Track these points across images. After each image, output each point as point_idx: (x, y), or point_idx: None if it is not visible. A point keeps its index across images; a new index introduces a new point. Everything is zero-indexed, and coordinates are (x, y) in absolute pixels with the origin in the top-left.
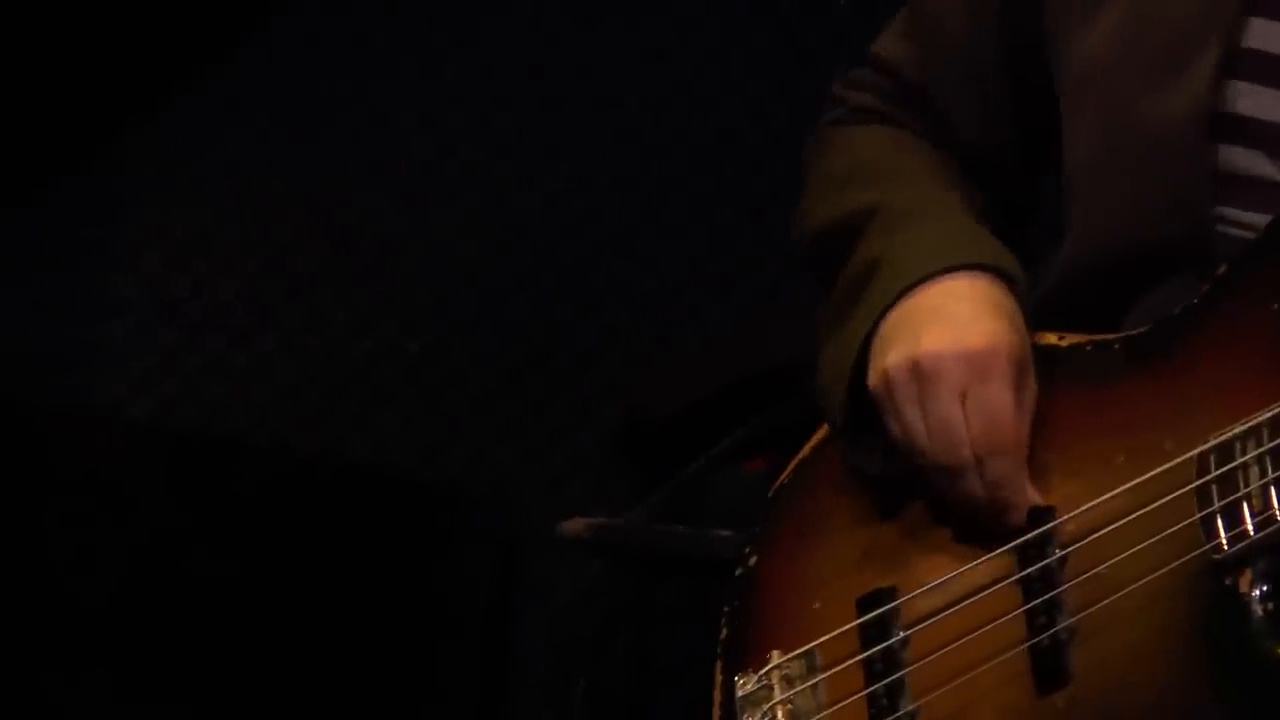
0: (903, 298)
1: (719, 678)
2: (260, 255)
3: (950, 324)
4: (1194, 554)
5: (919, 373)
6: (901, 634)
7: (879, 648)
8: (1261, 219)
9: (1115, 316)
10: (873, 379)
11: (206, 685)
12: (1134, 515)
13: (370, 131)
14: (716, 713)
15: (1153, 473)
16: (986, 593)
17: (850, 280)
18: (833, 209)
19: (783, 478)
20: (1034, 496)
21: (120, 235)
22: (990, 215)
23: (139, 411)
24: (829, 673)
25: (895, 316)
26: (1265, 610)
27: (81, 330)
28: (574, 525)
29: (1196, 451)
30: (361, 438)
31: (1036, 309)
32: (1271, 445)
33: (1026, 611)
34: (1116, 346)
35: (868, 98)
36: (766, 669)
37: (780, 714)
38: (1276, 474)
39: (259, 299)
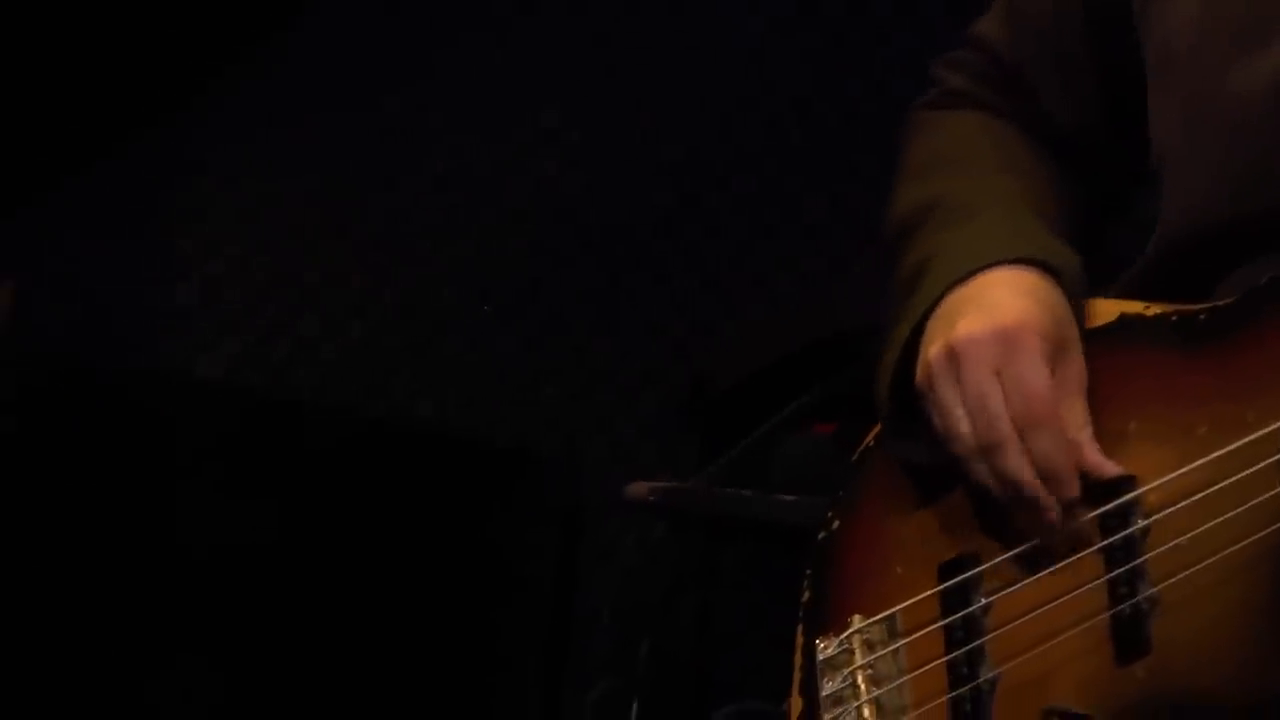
0: (944, 297)
1: (800, 641)
2: (328, 217)
3: (983, 309)
4: (1276, 527)
5: (954, 356)
6: (983, 601)
7: (960, 614)
8: None
9: (1206, 290)
10: (918, 375)
11: (273, 645)
12: (1217, 486)
13: (444, 94)
14: (797, 675)
15: (1236, 444)
16: (1068, 561)
17: (902, 283)
18: (905, 201)
19: (867, 442)
20: (1113, 467)
21: (187, 197)
22: (1079, 200)
23: (205, 372)
24: (910, 638)
25: (937, 315)
26: None
27: (148, 292)
28: (639, 489)
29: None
30: (429, 400)
31: (1130, 287)
32: None
33: (1109, 581)
34: (1202, 317)
35: (961, 79)
36: (848, 633)
37: (861, 678)
38: None
39: (327, 261)
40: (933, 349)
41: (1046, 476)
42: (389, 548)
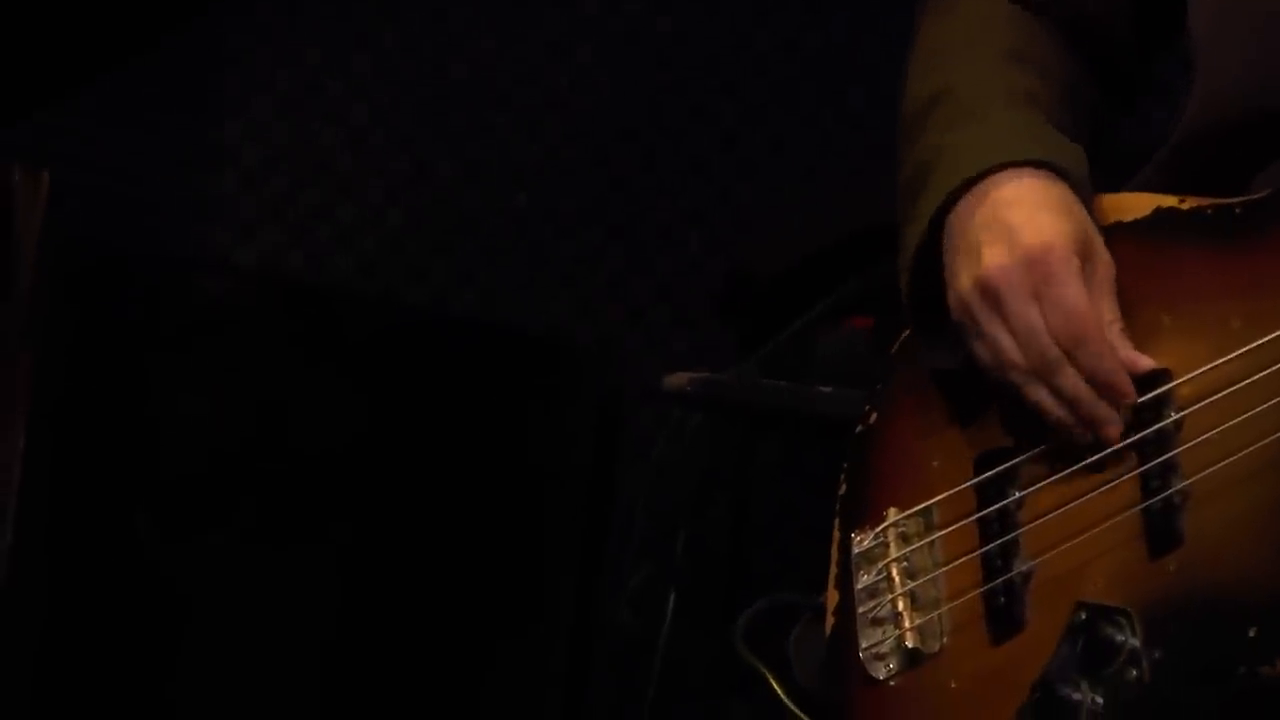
0: (957, 203)
1: (836, 535)
2: (367, 106)
3: (1003, 235)
4: None
5: (989, 291)
6: (1018, 494)
7: (995, 507)
8: None
9: (1238, 183)
10: (954, 310)
11: (304, 530)
12: (1250, 379)
13: None
14: (833, 569)
15: (1269, 337)
16: (1102, 455)
17: (906, 182)
18: (915, 89)
19: (904, 335)
20: (1147, 361)
21: (227, 84)
22: (1092, 98)
23: (245, 260)
24: (945, 531)
25: (950, 232)
26: None
27: (188, 178)
28: (676, 379)
29: None
30: (467, 290)
31: (1157, 178)
32: None
33: (1141, 474)
34: (1237, 211)
35: None
36: (883, 526)
37: (895, 571)
38: None
39: (365, 149)
40: (963, 283)
41: (1101, 389)
42: (426, 435)
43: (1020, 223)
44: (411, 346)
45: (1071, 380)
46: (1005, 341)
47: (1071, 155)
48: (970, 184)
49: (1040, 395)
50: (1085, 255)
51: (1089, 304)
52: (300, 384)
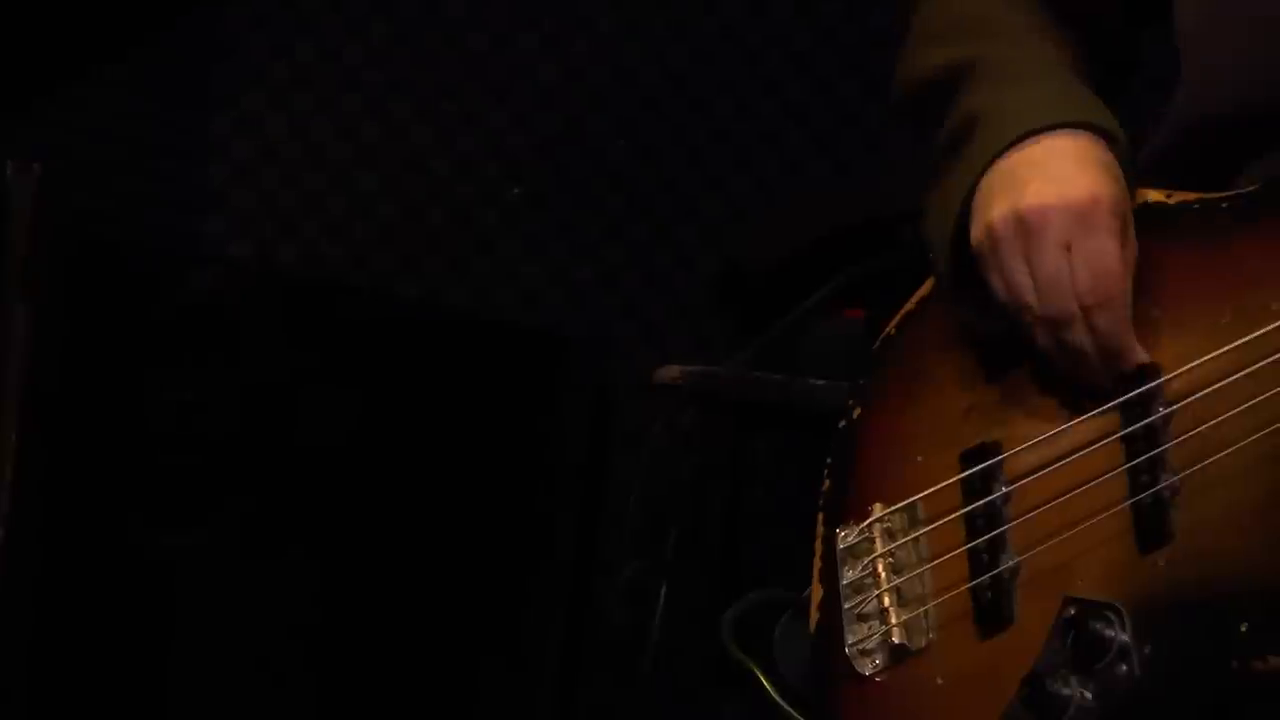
0: (1004, 154)
1: (820, 530)
2: (360, 98)
3: (1053, 178)
4: None
5: (1024, 226)
6: (1004, 489)
7: (981, 502)
8: None
9: (1226, 178)
10: (976, 234)
11: (297, 523)
12: (1239, 375)
13: None
14: (818, 564)
15: (1259, 332)
16: (1090, 450)
17: (950, 135)
18: (932, 61)
19: (888, 330)
20: (1140, 354)
21: (220, 76)
22: (1088, 68)
23: (238, 252)
24: (930, 526)
25: (997, 172)
26: None
27: (182, 170)
28: (669, 372)
29: None
30: (460, 282)
31: (1146, 164)
32: None
33: (1130, 469)
34: (1225, 205)
35: None
36: (868, 522)
37: (881, 566)
38: None
39: (360, 140)
40: (997, 213)
41: (1108, 352)
42: (419, 428)
43: (1071, 173)
44: (404, 339)
45: (1080, 338)
46: (1025, 282)
47: (1113, 120)
48: (1025, 138)
49: (1042, 339)
50: (1124, 224)
51: (1122, 269)
52: (292, 376)
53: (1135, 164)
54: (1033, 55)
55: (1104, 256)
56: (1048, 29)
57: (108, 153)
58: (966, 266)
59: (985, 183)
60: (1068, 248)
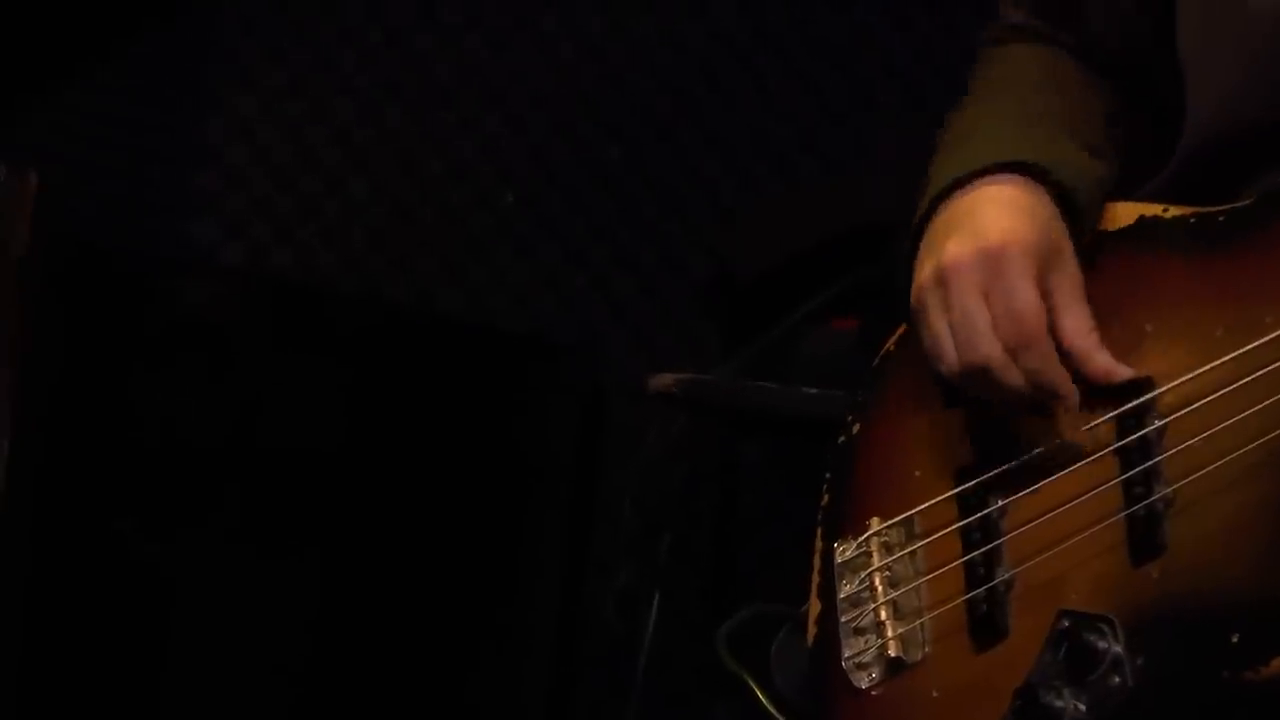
0: (935, 212)
1: (819, 545)
2: (352, 103)
3: (970, 229)
4: None
5: (942, 279)
6: (1000, 503)
7: (977, 516)
8: None
9: (1227, 195)
10: (912, 297)
11: (288, 529)
12: (1233, 387)
13: None
14: (815, 579)
15: (1252, 345)
16: (1084, 462)
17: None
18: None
19: (887, 347)
20: (1125, 370)
21: (213, 81)
22: (1134, 122)
23: (231, 257)
24: (927, 540)
25: (933, 227)
26: None
27: (173, 175)
28: (662, 380)
29: None
30: (452, 286)
31: (1153, 193)
32: None
33: (1123, 481)
34: (1220, 219)
35: (1020, 14)
36: (865, 536)
37: (878, 580)
38: None
39: (352, 145)
40: (924, 272)
41: (1041, 391)
42: (411, 433)
43: (986, 220)
44: (396, 344)
45: (1009, 381)
46: (943, 333)
47: (1068, 163)
48: (958, 185)
49: (977, 388)
50: (1048, 260)
51: (1037, 307)
52: (284, 381)
53: (1089, 188)
54: (998, 110)
55: (1017, 298)
56: (1059, 85)
57: (100, 158)
58: None
59: (922, 245)
60: (985, 294)
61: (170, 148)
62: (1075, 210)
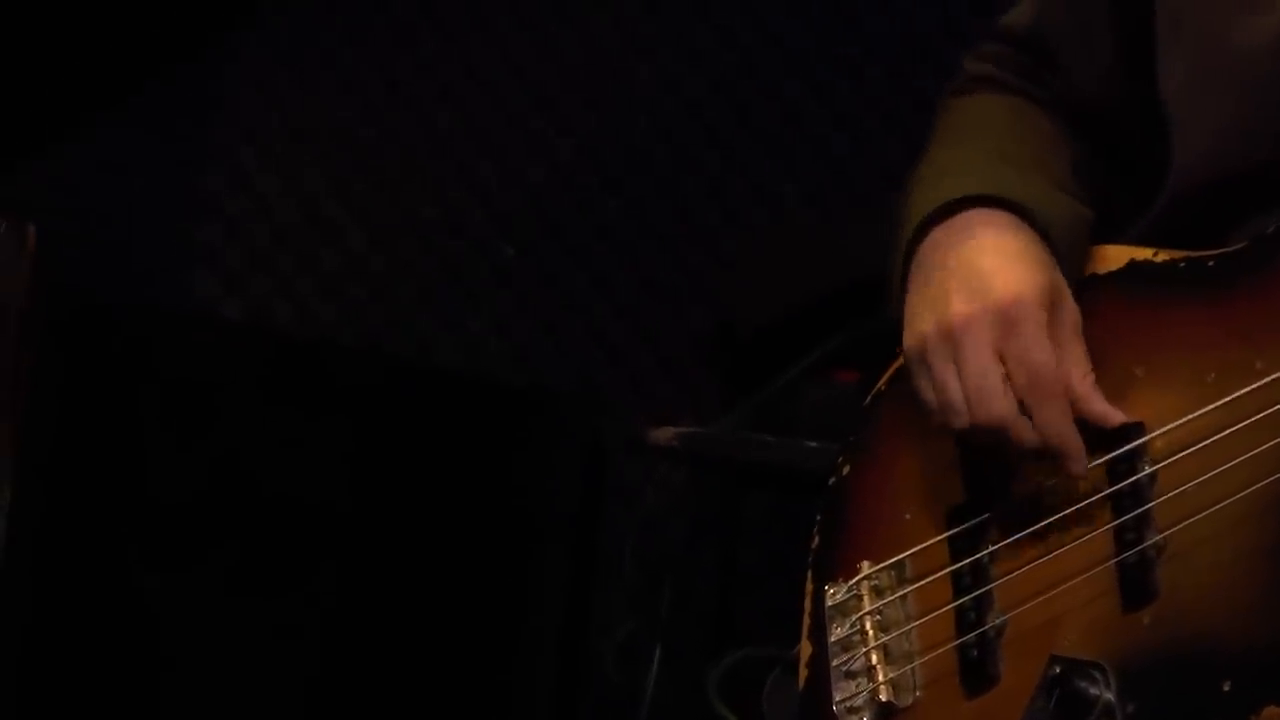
0: (929, 233)
1: (809, 587)
2: (352, 155)
3: (975, 285)
4: None
5: (951, 336)
6: (991, 548)
7: (968, 561)
8: None
9: (1215, 241)
10: (908, 344)
11: (285, 581)
12: (1224, 433)
13: (466, 33)
14: (806, 622)
15: (1243, 391)
16: (1076, 509)
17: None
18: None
19: (878, 387)
20: (1119, 415)
21: (212, 134)
22: (1098, 169)
23: (231, 311)
24: (918, 584)
25: (918, 269)
26: None
27: (174, 229)
28: (662, 434)
29: None
30: (451, 339)
31: (1141, 237)
32: None
33: (1115, 527)
34: (1210, 264)
35: (987, 66)
36: (856, 579)
37: (869, 624)
38: None
39: (351, 198)
40: (927, 325)
41: (1054, 446)
42: (411, 485)
43: (990, 273)
44: (395, 396)
45: (1020, 438)
46: (954, 387)
47: (1047, 202)
48: (942, 214)
49: (986, 442)
50: (1053, 305)
51: (1055, 364)
52: (284, 435)
53: (1064, 224)
54: (968, 151)
55: (1036, 355)
56: (1024, 132)
57: (102, 210)
58: None
59: (914, 278)
60: (999, 352)
61: (171, 200)
62: (1052, 245)
